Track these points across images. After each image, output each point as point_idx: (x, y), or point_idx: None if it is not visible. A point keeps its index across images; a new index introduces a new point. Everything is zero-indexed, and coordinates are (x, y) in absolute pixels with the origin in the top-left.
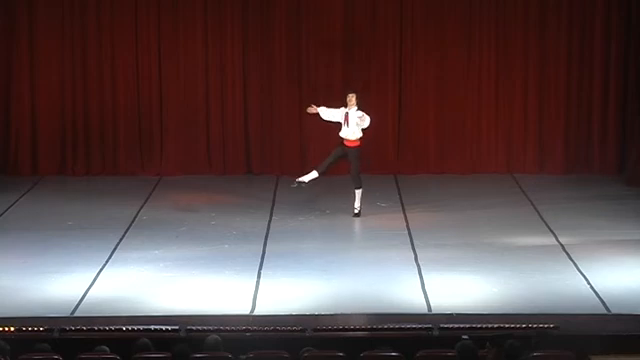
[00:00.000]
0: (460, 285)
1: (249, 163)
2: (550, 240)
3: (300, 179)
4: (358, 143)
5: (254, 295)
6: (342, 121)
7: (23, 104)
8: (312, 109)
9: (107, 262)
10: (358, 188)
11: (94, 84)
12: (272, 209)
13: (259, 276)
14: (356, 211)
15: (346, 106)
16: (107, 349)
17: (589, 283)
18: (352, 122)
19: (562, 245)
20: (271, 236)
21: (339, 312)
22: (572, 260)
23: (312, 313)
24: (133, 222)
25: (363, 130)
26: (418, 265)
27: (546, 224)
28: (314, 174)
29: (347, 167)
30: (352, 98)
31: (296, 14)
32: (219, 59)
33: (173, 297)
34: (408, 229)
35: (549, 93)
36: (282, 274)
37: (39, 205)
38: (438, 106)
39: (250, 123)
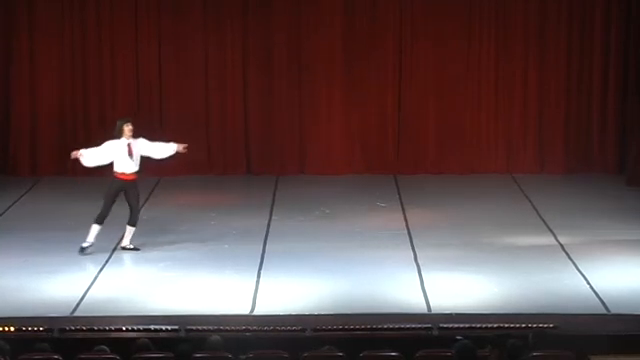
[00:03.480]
0: (460, 285)
1: (249, 163)
2: (550, 240)
3: (86, 244)
4: (137, 176)
5: (254, 295)
6: (125, 155)
7: (23, 104)
8: (75, 154)
9: (107, 262)
10: (133, 225)
11: (94, 84)
12: (272, 209)
13: (259, 276)
14: (130, 246)
15: (120, 138)
16: (107, 349)
17: (589, 283)
18: (137, 154)
19: (562, 245)
20: (271, 236)
21: (339, 312)
22: (572, 260)
23: (312, 313)
24: None
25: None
26: (418, 265)
27: (546, 224)
28: (96, 228)
29: (348, 167)
30: (130, 128)
31: (296, 14)
32: (219, 59)
33: (173, 297)
34: (408, 229)
35: (549, 93)
36: (282, 274)
37: (39, 205)
38: (438, 106)
39: (250, 123)
